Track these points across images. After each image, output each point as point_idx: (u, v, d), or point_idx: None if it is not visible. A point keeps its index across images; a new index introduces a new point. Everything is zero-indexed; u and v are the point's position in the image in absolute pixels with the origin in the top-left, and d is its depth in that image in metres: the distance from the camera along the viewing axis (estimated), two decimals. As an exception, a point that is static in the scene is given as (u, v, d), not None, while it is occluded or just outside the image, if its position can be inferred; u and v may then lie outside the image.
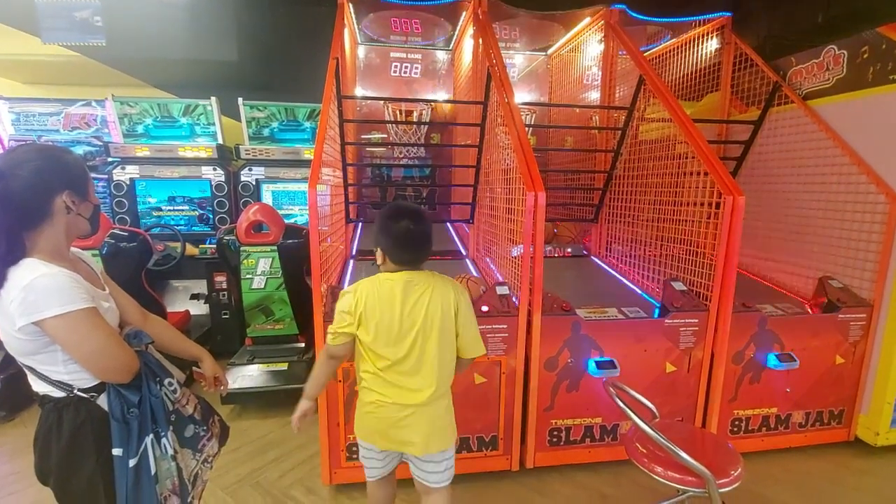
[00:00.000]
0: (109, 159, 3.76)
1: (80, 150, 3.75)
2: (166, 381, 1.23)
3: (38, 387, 1.14)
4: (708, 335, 2.28)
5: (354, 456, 2.18)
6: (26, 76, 4.13)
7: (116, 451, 1.12)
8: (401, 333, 1.43)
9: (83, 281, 1.12)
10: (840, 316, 2.43)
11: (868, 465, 2.48)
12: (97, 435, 1.13)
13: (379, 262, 1.48)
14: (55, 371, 1.11)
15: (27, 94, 3.96)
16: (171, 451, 1.20)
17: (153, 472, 1.16)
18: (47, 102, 3.79)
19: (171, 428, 1.22)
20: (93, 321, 1.08)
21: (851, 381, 2.52)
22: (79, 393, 1.13)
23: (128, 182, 3.74)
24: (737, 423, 2.45)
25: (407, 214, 1.44)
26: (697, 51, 3.36)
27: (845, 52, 2.61)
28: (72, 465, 1.13)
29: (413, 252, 1.46)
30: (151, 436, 1.17)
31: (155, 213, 3.85)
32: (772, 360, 2.36)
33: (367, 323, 1.43)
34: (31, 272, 1.02)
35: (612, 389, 1.73)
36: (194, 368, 1.50)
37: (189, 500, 1.28)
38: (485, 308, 2.13)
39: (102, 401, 1.15)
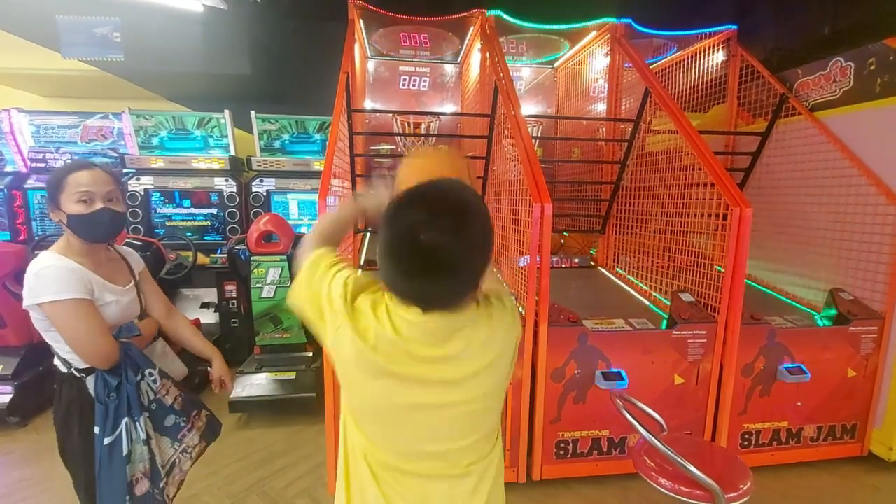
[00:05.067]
0: (125, 170, 3.85)
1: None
2: (146, 372, 1.36)
3: (55, 360, 1.33)
4: (716, 347, 2.27)
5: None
6: (46, 90, 4.27)
7: (96, 429, 1.26)
8: None
9: (89, 275, 1.28)
10: (851, 328, 2.40)
11: (882, 481, 2.43)
12: (82, 412, 1.29)
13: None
14: (60, 348, 1.29)
15: (47, 108, 4.08)
16: (143, 436, 1.31)
17: (125, 452, 1.27)
18: (66, 115, 3.89)
19: (146, 414, 1.33)
20: (81, 311, 1.22)
21: (864, 395, 2.48)
22: (74, 371, 1.30)
23: (142, 193, 3.82)
24: (747, 436, 2.42)
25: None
26: (704, 63, 3.38)
27: (852, 63, 2.62)
28: (65, 433, 1.32)
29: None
30: (128, 419, 1.28)
31: (168, 223, 3.92)
32: (782, 373, 2.34)
33: None
34: (42, 262, 1.23)
35: (619, 401, 1.72)
36: (208, 369, 1.59)
37: (161, 486, 1.36)
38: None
39: (91, 382, 1.29)
